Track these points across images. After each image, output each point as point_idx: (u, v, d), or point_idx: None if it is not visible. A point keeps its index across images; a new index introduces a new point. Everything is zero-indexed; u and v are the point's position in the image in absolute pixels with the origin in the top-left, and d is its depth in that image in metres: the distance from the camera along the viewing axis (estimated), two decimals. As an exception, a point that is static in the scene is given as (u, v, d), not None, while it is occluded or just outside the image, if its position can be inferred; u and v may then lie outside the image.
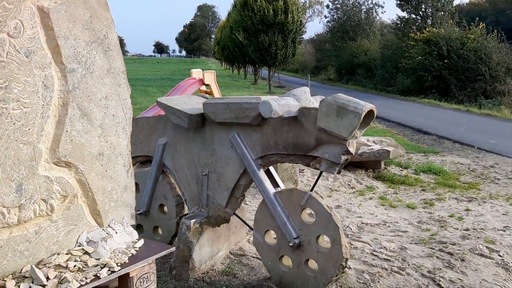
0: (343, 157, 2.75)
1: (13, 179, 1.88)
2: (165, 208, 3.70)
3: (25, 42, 1.91)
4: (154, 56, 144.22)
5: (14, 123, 1.88)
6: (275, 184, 3.23)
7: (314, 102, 3.02)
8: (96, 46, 2.21)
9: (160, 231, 3.75)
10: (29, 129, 1.93)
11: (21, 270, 1.90)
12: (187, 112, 3.25)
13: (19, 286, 1.78)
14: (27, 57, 1.92)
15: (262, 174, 3.12)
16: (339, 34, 38.22)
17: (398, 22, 29.88)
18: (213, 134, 3.29)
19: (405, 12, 29.04)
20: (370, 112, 2.75)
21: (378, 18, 39.04)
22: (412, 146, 9.20)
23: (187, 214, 3.52)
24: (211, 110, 3.18)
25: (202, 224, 3.33)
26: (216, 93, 8.72)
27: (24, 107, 1.91)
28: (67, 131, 2.07)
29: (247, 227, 3.73)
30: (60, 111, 2.06)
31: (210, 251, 3.43)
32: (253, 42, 22.75)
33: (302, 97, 2.93)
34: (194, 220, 3.28)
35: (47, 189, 2.00)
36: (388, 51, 28.92)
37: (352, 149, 2.77)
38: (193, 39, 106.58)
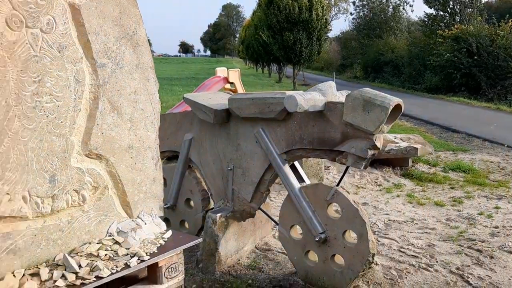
0: (370, 152, 2.73)
1: (47, 170, 1.94)
2: (191, 203, 3.74)
3: (57, 37, 1.98)
4: (179, 56, 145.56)
5: (47, 116, 1.94)
6: (300, 179, 3.23)
7: (340, 96, 3.00)
8: (126, 41, 2.26)
9: (186, 225, 3.80)
10: (61, 122, 1.99)
11: (54, 258, 1.96)
12: (213, 108, 3.29)
13: (52, 274, 1.84)
14: (59, 52, 1.98)
15: (287, 169, 3.12)
16: (365, 32, 37.80)
17: (426, 19, 29.35)
18: (238, 129, 3.31)
19: (432, 9, 28.51)
20: (398, 107, 2.73)
21: (405, 15, 38.43)
22: (440, 144, 9.04)
23: (212, 208, 3.56)
24: (236, 106, 3.20)
25: (228, 218, 3.36)
26: (241, 91, 8.76)
27: (57, 101, 1.97)
28: (98, 124, 2.13)
29: (272, 222, 3.74)
30: (91, 105, 2.12)
31: (236, 245, 3.45)
32: (277, 40, 22.71)
33: (328, 92, 2.92)
34: (220, 214, 3.31)
35: (79, 180, 2.06)
36: (416, 48, 28.45)
37: (379, 144, 2.75)
38: (217, 38, 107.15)
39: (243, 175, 3.30)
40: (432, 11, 28.69)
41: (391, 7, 37.84)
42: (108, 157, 2.18)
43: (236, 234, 3.46)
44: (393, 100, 2.68)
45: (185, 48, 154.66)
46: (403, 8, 37.67)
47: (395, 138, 6.70)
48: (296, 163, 3.31)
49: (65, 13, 2.00)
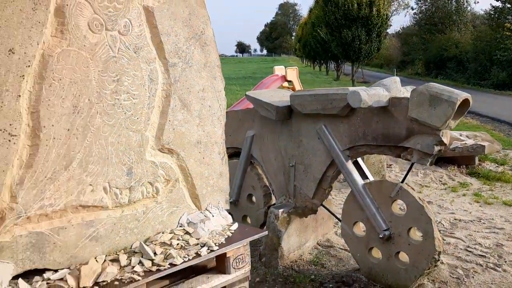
0: (436, 148, 2.68)
1: (125, 163, 2.08)
2: (253, 198, 3.83)
3: (133, 39, 2.10)
4: (236, 56, 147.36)
5: (125, 113, 2.07)
6: (363, 175, 3.21)
7: (404, 92, 2.96)
8: (195, 41, 2.36)
9: (248, 220, 3.88)
10: (137, 118, 2.12)
11: (131, 246, 2.09)
12: (275, 105, 3.34)
13: (130, 260, 1.97)
14: (135, 52, 2.11)
15: (350, 165, 3.12)
16: (427, 27, 36.44)
17: (492, 12, 27.84)
18: (300, 126, 3.34)
19: (499, 1, 26.98)
20: (465, 102, 2.66)
21: (469, 8, 36.67)
22: (508, 142, 8.59)
23: (274, 204, 3.62)
24: (298, 102, 3.24)
25: (290, 214, 3.41)
26: (298, 89, 8.78)
27: (133, 99, 2.10)
28: (169, 120, 2.24)
29: (335, 219, 3.75)
30: (164, 102, 2.24)
31: (298, 240, 3.49)
32: (336, 37, 22.45)
33: (392, 87, 2.89)
34: (282, 209, 3.37)
35: (153, 173, 2.18)
36: (481, 43, 27.06)
37: (446, 140, 2.69)
38: (274, 37, 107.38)
39: (305, 172, 3.33)
40: (498, 3, 27.17)
41: (454, 0, 36.24)
42: (178, 152, 2.29)
43: (298, 230, 3.50)
44: (460, 95, 2.61)
45: (242, 48, 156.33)
46: (467, 1, 35.97)
47: (460, 136, 6.46)
48: (359, 160, 3.30)
49: (140, 15, 2.13)
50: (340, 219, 3.28)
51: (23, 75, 1.75)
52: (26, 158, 1.79)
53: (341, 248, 3.58)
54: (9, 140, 1.73)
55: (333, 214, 3.59)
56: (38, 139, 1.80)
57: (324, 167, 3.22)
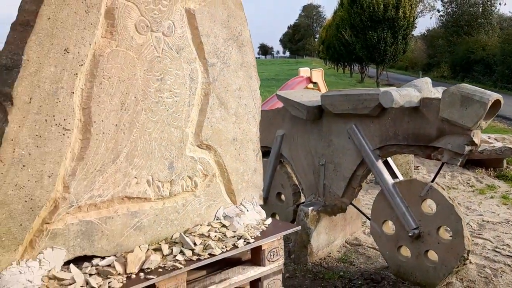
0: (467, 148, 2.71)
1: (166, 158, 2.19)
2: (283, 196, 3.90)
3: (176, 40, 2.21)
4: (259, 57, 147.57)
5: (167, 110, 2.18)
6: (393, 175, 3.26)
7: (435, 93, 3.00)
8: (232, 42, 2.45)
9: (277, 217, 3.96)
10: (178, 115, 2.23)
11: (172, 236, 2.20)
12: (305, 104, 3.42)
13: (172, 250, 2.07)
14: (177, 53, 2.21)
15: (380, 164, 3.17)
16: (453, 29, 35.90)
17: (521, 13, 27.24)
18: (330, 126, 3.41)
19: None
20: (496, 102, 2.69)
21: (496, 10, 35.96)
22: (539, 145, 8.43)
23: (303, 202, 3.68)
24: (329, 102, 3.31)
25: (319, 212, 3.47)
26: (324, 91, 8.80)
27: (175, 96, 2.21)
28: (208, 118, 2.34)
29: (363, 218, 3.80)
30: (203, 100, 2.34)
31: (327, 238, 3.56)
32: (360, 39, 22.34)
33: (424, 88, 2.94)
34: (311, 207, 3.43)
35: (192, 167, 2.28)
36: (509, 45, 26.52)
37: (477, 140, 2.72)
38: (297, 39, 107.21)
39: (335, 170, 3.39)
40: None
41: (480, 2, 35.61)
42: (216, 148, 2.39)
43: (327, 228, 3.56)
44: (492, 95, 2.64)
45: (264, 49, 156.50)
46: (493, 3, 35.29)
47: (489, 138, 6.41)
48: (389, 159, 3.35)
49: (182, 18, 2.23)
50: (369, 217, 3.33)
51: (77, 73, 1.87)
52: (78, 151, 1.91)
53: (369, 247, 3.63)
54: (63, 134, 1.85)
55: (362, 213, 3.64)
56: (89, 134, 1.92)
57: (354, 166, 3.28)
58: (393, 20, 21.03)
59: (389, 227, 3.20)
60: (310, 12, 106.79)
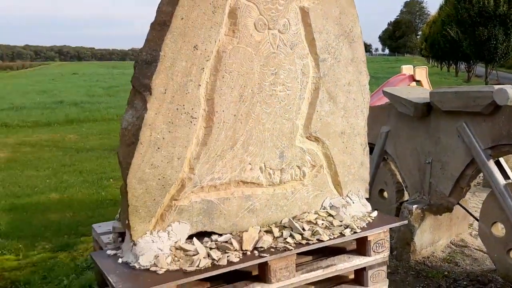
0: None
1: (278, 147, 2.33)
2: (385, 194, 3.89)
3: (290, 36, 2.34)
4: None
5: (280, 103, 2.32)
6: (505, 175, 3.11)
7: (558, 90, 2.82)
8: (343, 38, 2.53)
9: (378, 214, 3.95)
10: (290, 108, 2.36)
11: (281, 221, 2.34)
12: (413, 101, 3.38)
13: (282, 233, 2.21)
14: (291, 49, 2.34)
15: (491, 164, 3.05)
16: None
17: None
18: (438, 123, 3.33)
19: None
20: None
21: None
22: None
23: (407, 200, 3.64)
24: (438, 99, 3.24)
25: (424, 211, 3.41)
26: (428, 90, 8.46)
27: (287, 90, 2.34)
28: (317, 111, 2.44)
29: (470, 220, 3.66)
30: (313, 94, 2.45)
31: (431, 237, 3.49)
32: (468, 36, 20.99)
33: (544, 85, 2.77)
34: (416, 205, 3.39)
35: (301, 158, 2.41)
36: None
37: None
38: (397, 36, 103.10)
39: (442, 169, 3.31)
40: None
41: None
42: (324, 140, 2.48)
43: (432, 227, 3.49)
44: None
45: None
46: None
47: None
48: (501, 159, 3.20)
49: (297, 15, 2.36)
50: (478, 218, 3.21)
51: (203, 68, 2.07)
52: (202, 137, 2.12)
53: (476, 249, 3.49)
54: (191, 122, 2.06)
55: (470, 213, 3.51)
56: (211, 122, 2.12)
57: (463, 166, 3.18)
58: (506, 16, 19.46)
59: (499, 229, 3.06)
60: (412, 7, 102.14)
